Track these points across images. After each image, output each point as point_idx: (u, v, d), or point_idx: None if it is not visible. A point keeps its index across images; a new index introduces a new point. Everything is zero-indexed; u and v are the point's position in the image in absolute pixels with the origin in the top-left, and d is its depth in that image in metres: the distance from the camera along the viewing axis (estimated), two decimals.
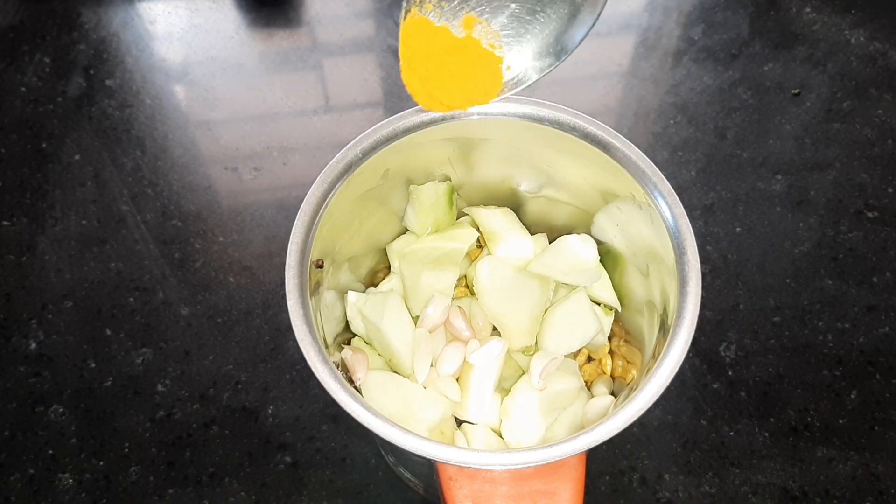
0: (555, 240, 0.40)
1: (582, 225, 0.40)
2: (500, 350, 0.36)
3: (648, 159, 0.34)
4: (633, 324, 0.39)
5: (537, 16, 0.26)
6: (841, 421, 0.48)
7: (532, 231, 0.41)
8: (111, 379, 0.50)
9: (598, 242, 0.40)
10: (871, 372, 0.50)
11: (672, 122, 0.60)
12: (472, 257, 0.41)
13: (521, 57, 0.27)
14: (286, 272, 0.32)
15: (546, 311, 0.39)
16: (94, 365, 0.50)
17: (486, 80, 0.27)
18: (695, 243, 0.33)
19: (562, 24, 0.26)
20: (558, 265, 0.39)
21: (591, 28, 0.26)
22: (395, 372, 0.37)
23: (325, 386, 0.30)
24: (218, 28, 0.65)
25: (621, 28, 0.66)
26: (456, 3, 0.26)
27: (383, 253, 0.41)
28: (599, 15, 0.26)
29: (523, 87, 0.28)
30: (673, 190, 0.34)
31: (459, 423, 0.37)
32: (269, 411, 0.49)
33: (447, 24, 0.26)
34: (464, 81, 0.28)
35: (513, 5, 0.26)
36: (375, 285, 0.41)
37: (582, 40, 0.26)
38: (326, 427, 0.48)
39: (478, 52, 0.27)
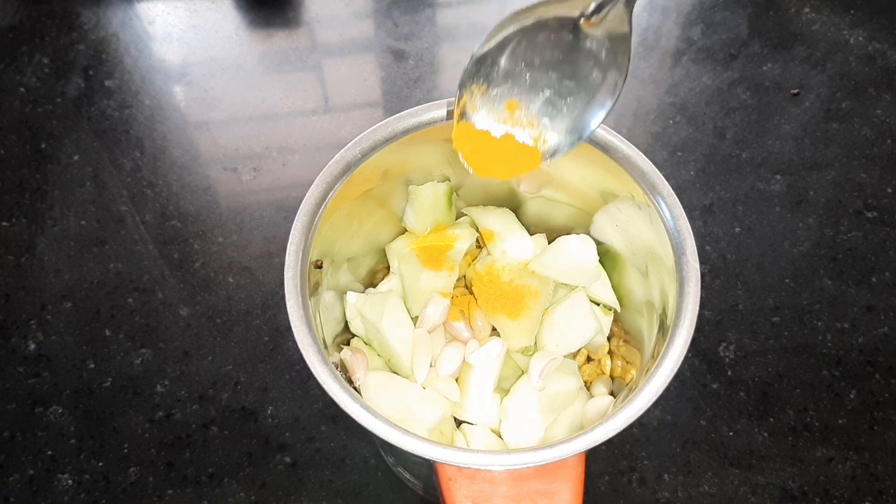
0: (554, 240, 0.40)
1: (581, 225, 0.40)
2: (500, 350, 0.36)
3: (647, 159, 0.34)
4: (632, 324, 0.39)
5: (567, 100, 0.32)
6: (840, 421, 0.48)
7: (531, 231, 0.41)
8: (110, 379, 0.50)
9: (598, 242, 0.40)
10: (870, 372, 0.50)
11: (671, 122, 0.60)
12: (471, 257, 0.41)
13: (556, 133, 0.33)
14: (285, 272, 0.32)
15: (545, 311, 0.39)
16: (93, 365, 0.50)
17: (525, 164, 0.34)
18: (694, 243, 0.33)
19: (587, 105, 0.32)
20: (558, 265, 0.39)
21: (613, 107, 0.32)
22: (395, 372, 0.37)
23: (325, 386, 0.30)
24: (217, 28, 0.65)
25: None
26: (499, 92, 0.32)
27: (382, 253, 0.41)
28: (618, 97, 0.32)
29: (558, 157, 0.33)
30: (672, 190, 0.34)
31: (459, 423, 0.37)
32: (269, 412, 0.49)
33: (488, 126, 0.33)
34: (507, 170, 0.34)
35: (547, 91, 0.32)
36: (375, 286, 0.41)
37: (607, 116, 0.32)
38: (326, 427, 0.48)
39: (514, 146, 0.33)
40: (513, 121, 0.33)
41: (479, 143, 0.33)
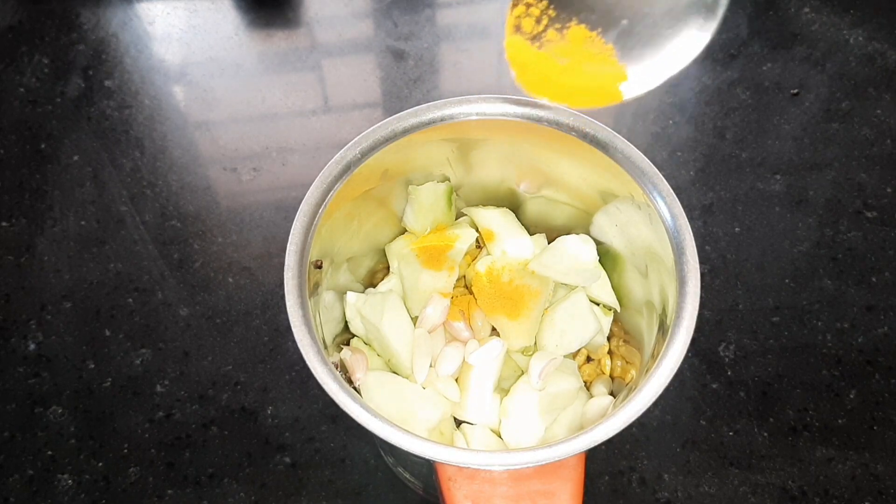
0: (554, 240, 0.40)
1: (581, 225, 0.40)
2: (500, 350, 0.36)
3: (647, 159, 0.34)
4: (632, 324, 0.39)
5: (649, 29, 0.25)
6: (840, 421, 0.48)
7: (531, 231, 0.41)
8: (110, 380, 0.50)
9: (597, 242, 0.40)
10: (870, 372, 0.50)
11: (671, 122, 0.60)
12: (471, 257, 0.41)
13: (634, 67, 0.26)
14: (285, 273, 0.32)
15: (545, 311, 0.39)
16: (93, 366, 0.50)
17: (605, 95, 0.26)
18: (694, 243, 0.33)
19: (676, 39, 0.25)
20: (557, 265, 0.39)
21: (712, 35, 0.25)
22: (395, 372, 0.37)
23: (325, 386, 0.30)
24: (217, 28, 0.65)
25: None
26: (562, 14, 0.25)
27: (382, 253, 0.41)
28: (718, 24, 0.25)
29: (640, 93, 0.27)
30: (672, 190, 0.34)
31: (459, 423, 0.37)
32: (269, 412, 0.49)
33: (550, 47, 0.25)
34: (581, 99, 0.27)
35: (623, 21, 0.25)
36: (374, 286, 0.41)
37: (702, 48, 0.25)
38: (326, 427, 0.48)
39: (584, 73, 0.26)
40: (579, 52, 0.26)
41: (538, 66, 0.27)
